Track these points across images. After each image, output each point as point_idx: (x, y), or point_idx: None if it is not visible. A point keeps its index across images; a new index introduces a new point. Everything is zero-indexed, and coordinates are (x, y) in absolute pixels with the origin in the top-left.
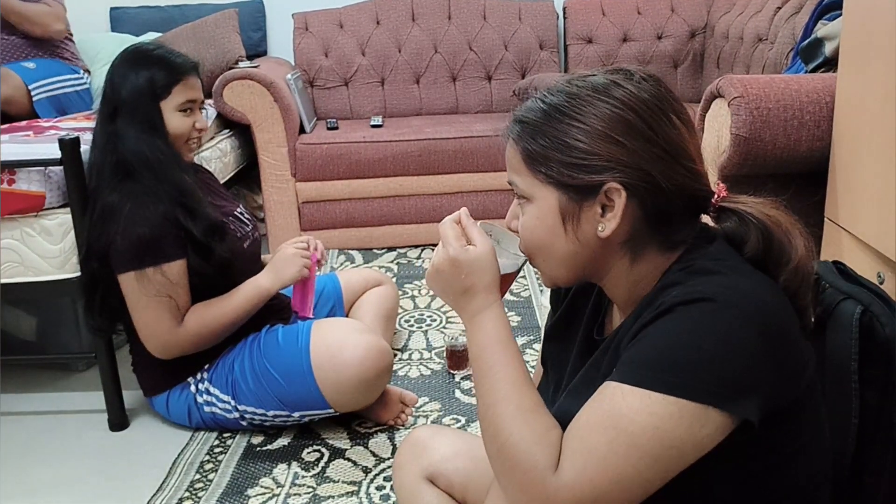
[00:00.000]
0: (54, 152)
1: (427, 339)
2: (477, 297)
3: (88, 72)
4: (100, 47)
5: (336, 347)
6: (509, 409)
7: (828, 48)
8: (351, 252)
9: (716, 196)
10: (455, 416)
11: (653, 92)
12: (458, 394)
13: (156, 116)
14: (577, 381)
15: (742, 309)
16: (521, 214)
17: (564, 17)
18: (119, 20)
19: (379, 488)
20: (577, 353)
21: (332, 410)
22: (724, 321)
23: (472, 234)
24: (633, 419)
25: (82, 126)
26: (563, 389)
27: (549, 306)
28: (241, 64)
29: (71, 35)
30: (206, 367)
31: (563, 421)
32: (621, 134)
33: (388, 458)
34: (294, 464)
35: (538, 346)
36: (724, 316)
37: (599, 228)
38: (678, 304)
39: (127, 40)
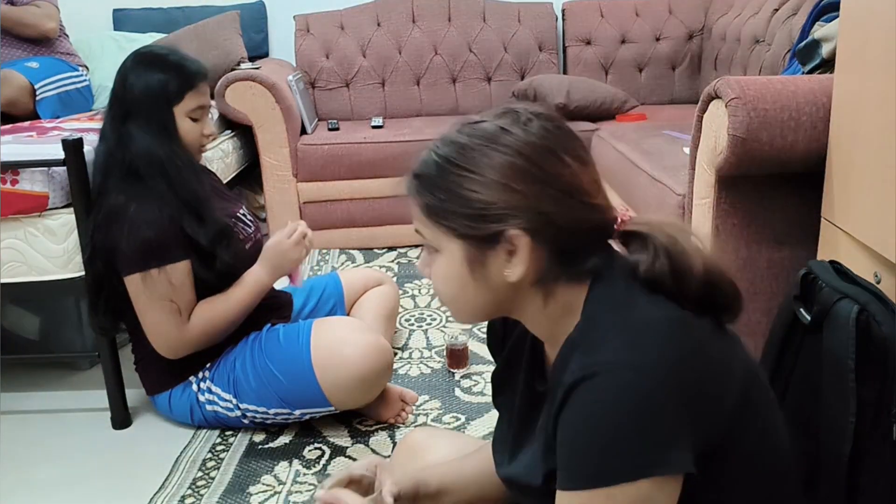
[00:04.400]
0: (57, 153)
1: (427, 338)
2: None
3: (86, 68)
4: (102, 45)
5: (337, 346)
6: None
7: (825, 50)
8: (352, 252)
9: (619, 222)
10: (455, 415)
11: (541, 133)
12: (457, 392)
13: (170, 121)
14: (529, 439)
15: (639, 373)
16: (432, 263)
17: (563, 19)
18: (122, 21)
19: None
20: (522, 404)
21: (332, 408)
22: (620, 394)
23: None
24: None
25: (85, 127)
26: (517, 442)
27: None
28: (242, 65)
29: (64, 29)
30: (207, 365)
31: (517, 483)
32: (515, 181)
33: (389, 456)
34: (295, 461)
35: None
36: (618, 389)
37: (507, 273)
38: (576, 386)
39: (129, 38)
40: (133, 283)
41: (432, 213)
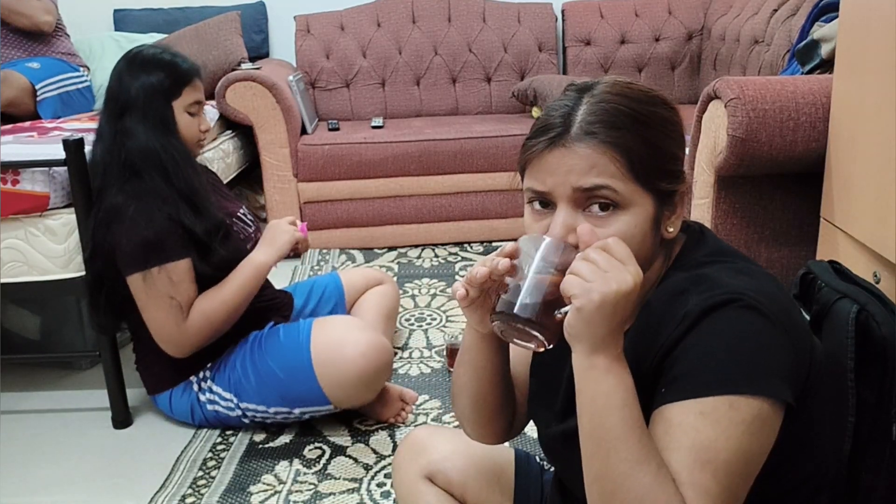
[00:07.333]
0: (58, 153)
1: (427, 338)
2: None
3: (87, 68)
4: (103, 45)
5: (337, 344)
6: (651, 468)
7: (824, 50)
8: (352, 252)
9: None
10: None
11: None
12: None
13: (169, 115)
14: None
15: (764, 305)
16: (608, 223)
17: (563, 20)
18: (122, 22)
19: (380, 485)
20: None
21: (332, 407)
22: (751, 319)
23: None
24: (720, 441)
25: (86, 127)
26: (565, 399)
27: None
28: (243, 66)
29: (65, 29)
30: (208, 365)
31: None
32: (683, 137)
33: (389, 456)
34: (296, 461)
35: None
36: (749, 315)
37: (671, 230)
38: (706, 313)
39: (129, 38)
40: (135, 282)
41: (636, 165)
